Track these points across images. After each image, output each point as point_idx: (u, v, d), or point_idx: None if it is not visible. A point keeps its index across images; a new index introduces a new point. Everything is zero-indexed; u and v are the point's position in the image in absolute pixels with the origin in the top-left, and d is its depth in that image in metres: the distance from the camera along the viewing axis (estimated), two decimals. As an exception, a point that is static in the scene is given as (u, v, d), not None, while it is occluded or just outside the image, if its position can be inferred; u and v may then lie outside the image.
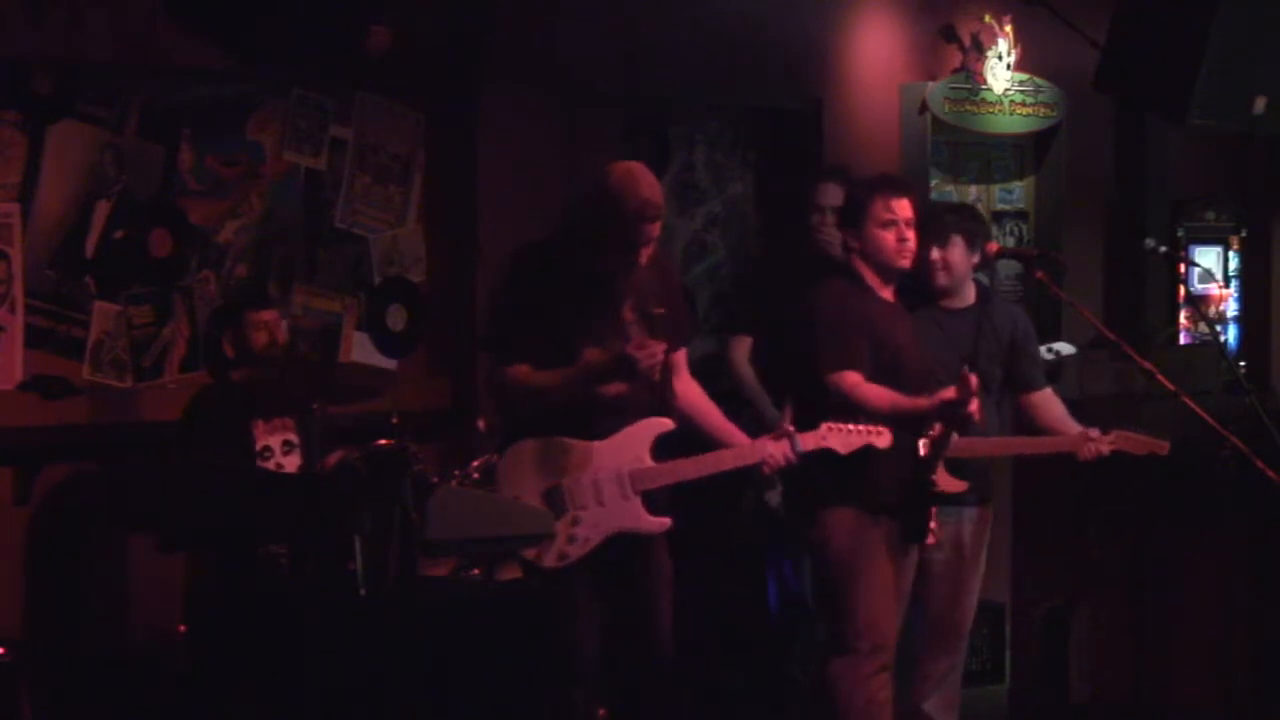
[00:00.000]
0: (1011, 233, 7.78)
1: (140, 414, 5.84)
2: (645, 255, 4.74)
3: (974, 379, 5.00)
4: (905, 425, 5.10)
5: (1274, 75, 5.90)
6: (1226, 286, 8.48)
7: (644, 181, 4.70)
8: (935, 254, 5.61)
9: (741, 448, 4.92)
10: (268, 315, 5.62)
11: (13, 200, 5.60)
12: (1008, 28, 7.39)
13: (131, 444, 5.73)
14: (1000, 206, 7.77)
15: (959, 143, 7.56)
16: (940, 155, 7.48)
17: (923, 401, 5.07)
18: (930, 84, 7.24)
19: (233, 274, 6.04)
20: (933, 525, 5.31)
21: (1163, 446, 5.66)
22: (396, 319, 6.38)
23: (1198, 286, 8.28)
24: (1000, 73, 7.39)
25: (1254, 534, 6.36)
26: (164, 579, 5.53)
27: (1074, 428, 5.73)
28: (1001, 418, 5.73)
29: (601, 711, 4.99)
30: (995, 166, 7.76)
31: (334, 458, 5.52)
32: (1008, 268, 7.63)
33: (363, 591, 4.89)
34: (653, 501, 4.84)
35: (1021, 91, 7.48)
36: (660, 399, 4.89)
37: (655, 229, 4.72)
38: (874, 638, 5.20)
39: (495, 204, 6.30)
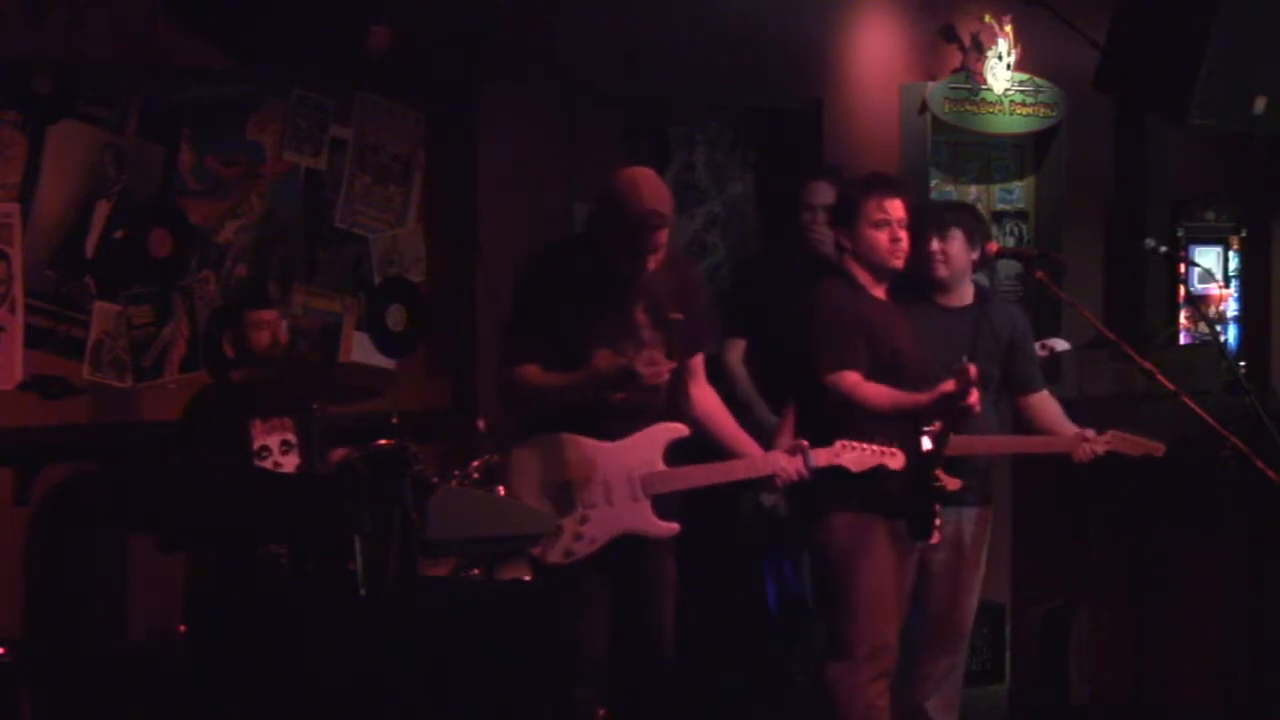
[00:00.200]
0: (1011, 233, 7.78)
1: (140, 414, 5.84)
2: (654, 261, 4.73)
3: (973, 369, 5.00)
4: (906, 422, 5.10)
5: (1274, 75, 5.90)
6: (1226, 286, 8.48)
7: (647, 191, 4.67)
8: (935, 245, 5.61)
9: (754, 459, 4.91)
10: (268, 315, 5.62)
11: (13, 200, 5.60)
12: (1008, 28, 7.39)
13: (131, 444, 5.73)
14: (1000, 206, 7.77)
15: (959, 143, 7.56)
16: (940, 155, 7.48)
17: (923, 397, 5.07)
18: (930, 84, 7.24)
19: (233, 274, 6.04)
20: (937, 523, 5.31)
21: (1158, 448, 5.67)
22: (396, 319, 6.38)
23: (1198, 286, 8.28)
24: (1000, 73, 7.39)
25: (1254, 534, 6.36)
26: (164, 579, 5.53)
27: (1070, 429, 5.73)
28: (1000, 418, 5.73)
29: (601, 712, 4.98)
30: (995, 166, 7.76)
31: (334, 457, 5.54)
32: (1008, 268, 7.63)
33: (363, 591, 4.89)
34: (662, 506, 4.84)
35: (1021, 91, 7.48)
36: (674, 404, 4.89)
37: (661, 236, 4.70)
38: (873, 642, 5.20)
39: (495, 204, 6.30)
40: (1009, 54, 7.40)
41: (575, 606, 4.81)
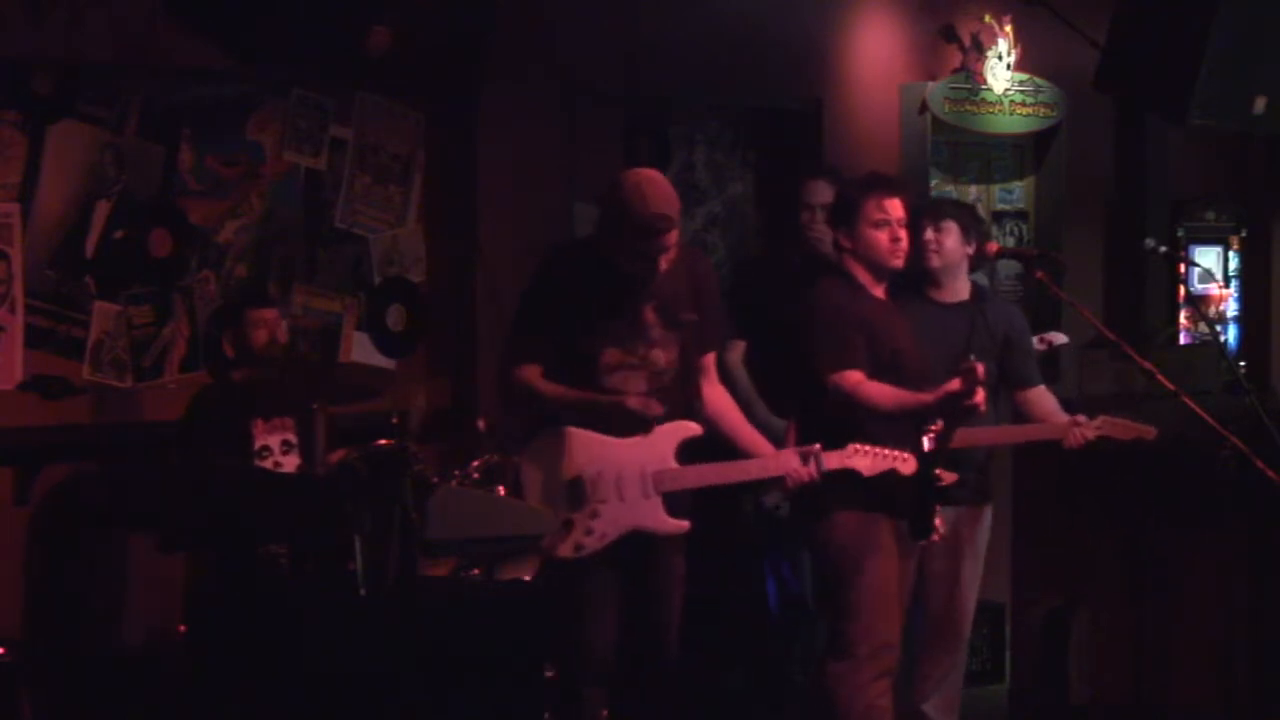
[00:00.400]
0: (1011, 233, 7.78)
1: (140, 414, 5.84)
2: (665, 262, 4.73)
3: (980, 368, 5.00)
4: (909, 421, 5.09)
5: (1274, 75, 5.90)
6: (1226, 286, 8.48)
7: (652, 195, 4.67)
8: (929, 234, 5.61)
9: (766, 459, 4.91)
10: (268, 314, 5.62)
11: (13, 200, 5.60)
12: (1008, 28, 7.39)
13: (131, 444, 5.73)
14: (1000, 206, 7.77)
15: (959, 143, 7.56)
16: (940, 155, 7.48)
17: (928, 396, 5.06)
18: (930, 84, 7.24)
19: (233, 274, 6.04)
20: (938, 523, 5.31)
21: (1149, 431, 5.66)
22: (396, 319, 6.38)
23: (1198, 286, 8.28)
24: (1000, 73, 7.39)
25: (1254, 534, 6.36)
26: (164, 579, 5.53)
27: (1064, 419, 5.72)
28: (997, 413, 5.73)
29: (603, 713, 4.98)
30: (995, 166, 7.76)
31: (335, 457, 5.54)
32: (1008, 268, 7.63)
33: (363, 591, 4.89)
34: (673, 504, 4.84)
35: (1021, 91, 7.48)
36: (686, 403, 4.89)
37: (669, 238, 4.70)
38: (875, 642, 5.19)
39: (495, 204, 6.30)
40: (1009, 54, 7.40)
41: (583, 602, 4.80)
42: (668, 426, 4.83)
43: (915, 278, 5.61)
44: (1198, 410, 5.22)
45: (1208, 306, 8.37)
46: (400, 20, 5.40)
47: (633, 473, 4.79)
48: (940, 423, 5.14)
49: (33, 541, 5.61)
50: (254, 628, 4.99)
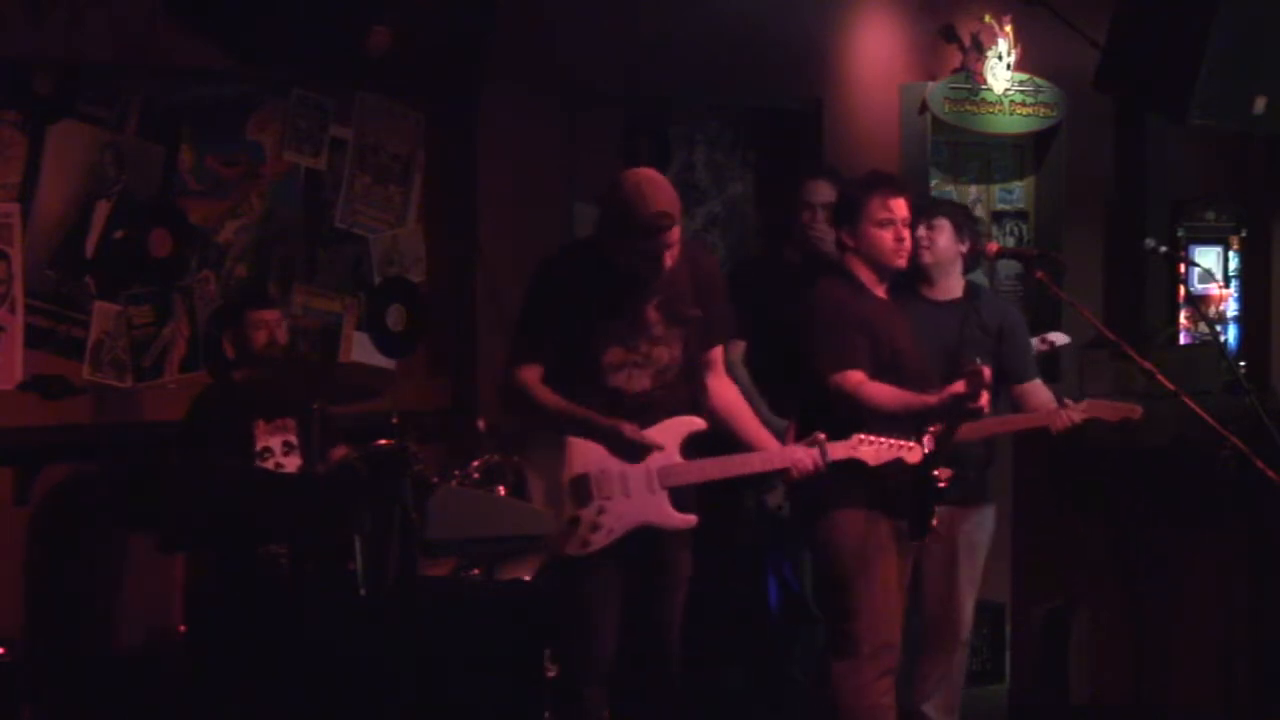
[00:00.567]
0: (1011, 233, 7.78)
1: (140, 414, 5.84)
2: (669, 259, 4.73)
3: (987, 371, 4.99)
4: (910, 422, 5.09)
5: (1274, 75, 5.90)
6: (1226, 286, 8.48)
7: (652, 194, 4.66)
8: (921, 231, 5.60)
9: (770, 452, 4.90)
10: (269, 315, 5.62)
11: (13, 200, 5.60)
12: (1008, 28, 7.39)
13: (131, 444, 5.73)
14: (1000, 206, 7.77)
15: (959, 143, 7.56)
16: (940, 155, 7.48)
17: (932, 398, 5.05)
18: (930, 84, 7.24)
19: (233, 274, 6.05)
20: (934, 522, 5.31)
21: (1135, 410, 5.64)
22: (396, 319, 6.38)
23: (1198, 286, 8.28)
24: (1000, 73, 7.39)
25: (1254, 534, 6.35)
26: (164, 579, 5.54)
27: (1052, 406, 5.72)
28: (995, 408, 5.72)
29: (604, 712, 4.98)
30: (995, 166, 7.76)
31: (335, 455, 5.54)
32: (1008, 268, 7.63)
33: (363, 591, 4.89)
34: (679, 499, 4.84)
35: (1021, 91, 7.48)
36: (691, 398, 4.89)
37: (672, 235, 4.70)
38: (877, 641, 5.19)
39: (495, 204, 6.30)
40: (1009, 54, 7.40)
41: (584, 602, 4.79)
42: (672, 421, 4.82)
43: (908, 275, 5.60)
44: (1198, 410, 5.22)
45: (1208, 306, 8.37)
46: (400, 20, 5.41)
47: (637, 469, 4.78)
48: (941, 424, 5.14)
49: (33, 541, 5.62)
50: (254, 628, 5.00)
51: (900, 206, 5.20)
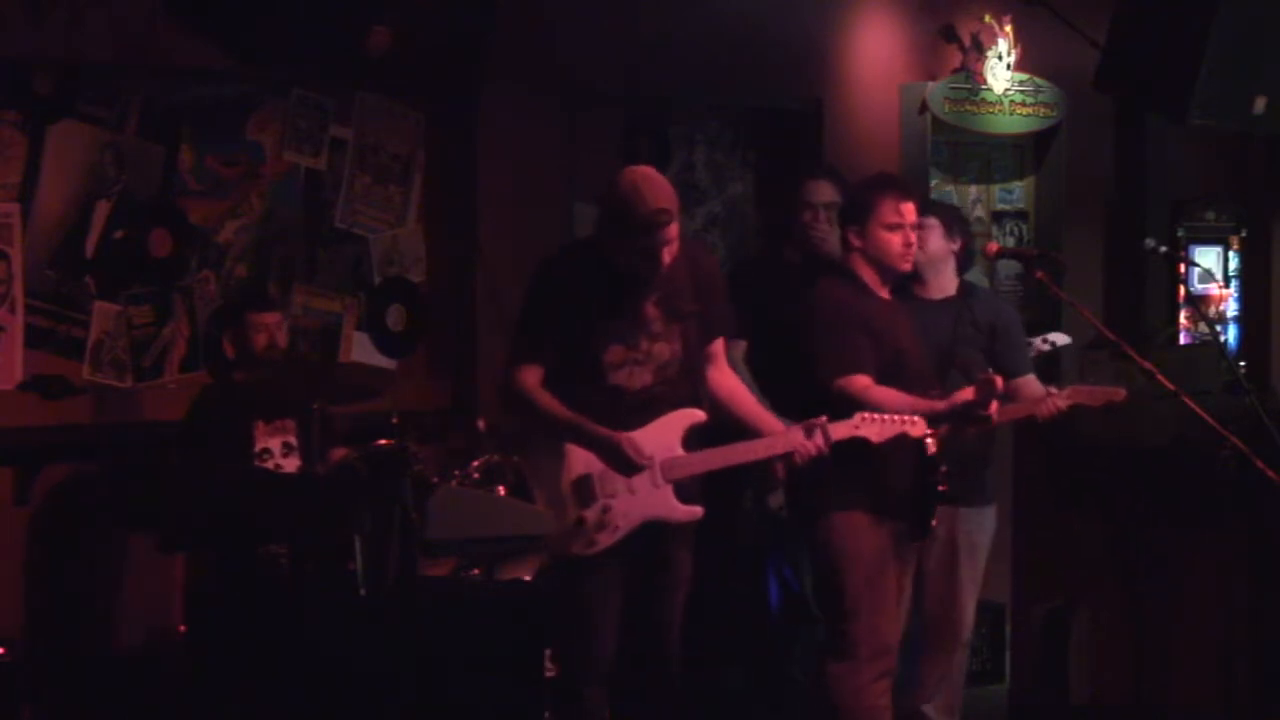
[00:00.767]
0: (1011, 233, 7.78)
1: (140, 414, 5.84)
2: (668, 255, 4.73)
3: (999, 380, 4.98)
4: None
5: (1274, 75, 5.90)
6: (1226, 286, 8.48)
7: (649, 191, 4.66)
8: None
9: (772, 437, 4.88)
10: (269, 318, 5.61)
11: (13, 200, 5.60)
12: (1008, 28, 7.39)
13: (131, 444, 5.73)
14: (1000, 206, 7.77)
15: (959, 143, 7.56)
16: (940, 155, 7.48)
17: (940, 404, 5.05)
18: (930, 84, 7.24)
19: (233, 274, 6.04)
20: (934, 523, 5.31)
21: (1118, 393, 5.63)
22: (396, 319, 6.38)
23: (1198, 286, 8.28)
24: (1000, 73, 7.39)
25: (1254, 534, 6.35)
26: (164, 579, 5.54)
27: (1040, 395, 5.71)
28: None
29: (604, 712, 4.98)
30: (995, 166, 7.76)
31: (335, 455, 5.54)
32: (1008, 268, 7.63)
33: (363, 591, 4.89)
34: (683, 492, 4.84)
35: (1021, 91, 7.48)
36: (693, 393, 4.89)
37: (670, 232, 4.70)
38: (875, 643, 5.19)
39: (495, 204, 6.30)
40: (1009, 54, 7.40)
41: (585, 602, 4.79)
42: (673, 415, 4.82)
43: (901, 275, 5.60)
44: (1198, 410, 5.22)
45: (1208, 306, 8.37)
46: (400, 20, 5.41)
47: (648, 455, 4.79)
48: (945, 426, 5.14)
49: (33, 541, 5.62)
50: (254, 628, 5.00)
51: (910, 211, 5.21)
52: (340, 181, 6.23)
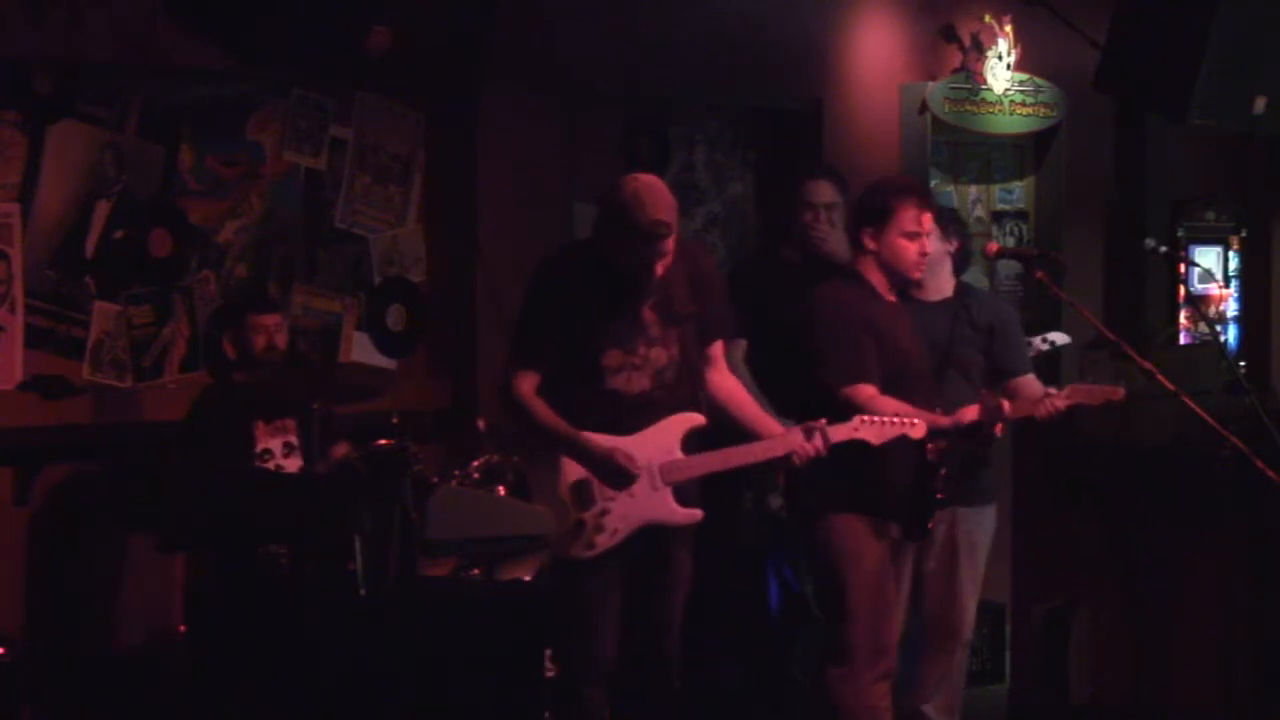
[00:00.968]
0: (1011, 233, 7.78)
1: (140, 414, 5.84)
2: (661, 268, 4.74)
3: (1007, 405, 4.98)
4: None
5: (1274, 75, 5.90)
6: (1226, 286, 8.48)
7: (651, 201, 4.67)
8: None
9: (771, 440, 4.89)
10: (269, 320, 5.61)
11: (13, 200, 5.60)
12: (1008, 28, 7.39)
13: (131, 444, 5.73)
14: (1000, 206, 7.77)
15: (959, 143, 7.56)
16: (940, 155, 7.48)
17: (944, 420, 5.05)
18: (930, 84, 7.24)
19: (233, 274, 6.04)
20: (930, 525, 5.31)
21: (1117, 392, 5.61)
22: (396, 319, 6.38)
23: (1198, 286, 8.28)
24: (1000, 73, 7.39)
25: (1254, 534, 6.35)
26: (164, 579, 5.54)
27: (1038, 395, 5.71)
28: None
29: (604, 712, 4.98)
30: (995, 166, 7.76)
31: (336, 453, 5.55)
32: (1008, 268, 7.63)
33: (363, 591, 4.89)
34: (682, 494, 4.85)
35: (1021, 91, 7.48)
36: (692, 397, 4.90)
37: (666, 244, 4.71)
38: (875, 644, 5.18)
39: (495, 204, 6.30)
40: (1009, 54, 7.40)
41: (585, 602, 4.79)
42: (672, 419, 4.83)
43: None
44: (1198, 410, 5.22)
45: (1208, 306, 8.37)
46: (400, 20, 5.41)
47: (640, 467, 4.79)
48: (947, 441, 5.14)
49: (33, 541, 5.62)
50: (254, 628, 5.00)
51: (929, 221, 5.19)
52: (340, 181, 6.23)
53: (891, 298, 5.25)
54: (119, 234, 5.81)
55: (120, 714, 5.55)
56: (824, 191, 5.92)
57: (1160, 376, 5.27)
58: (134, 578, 5.72)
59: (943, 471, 5.17)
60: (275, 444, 5.57)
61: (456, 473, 5.28)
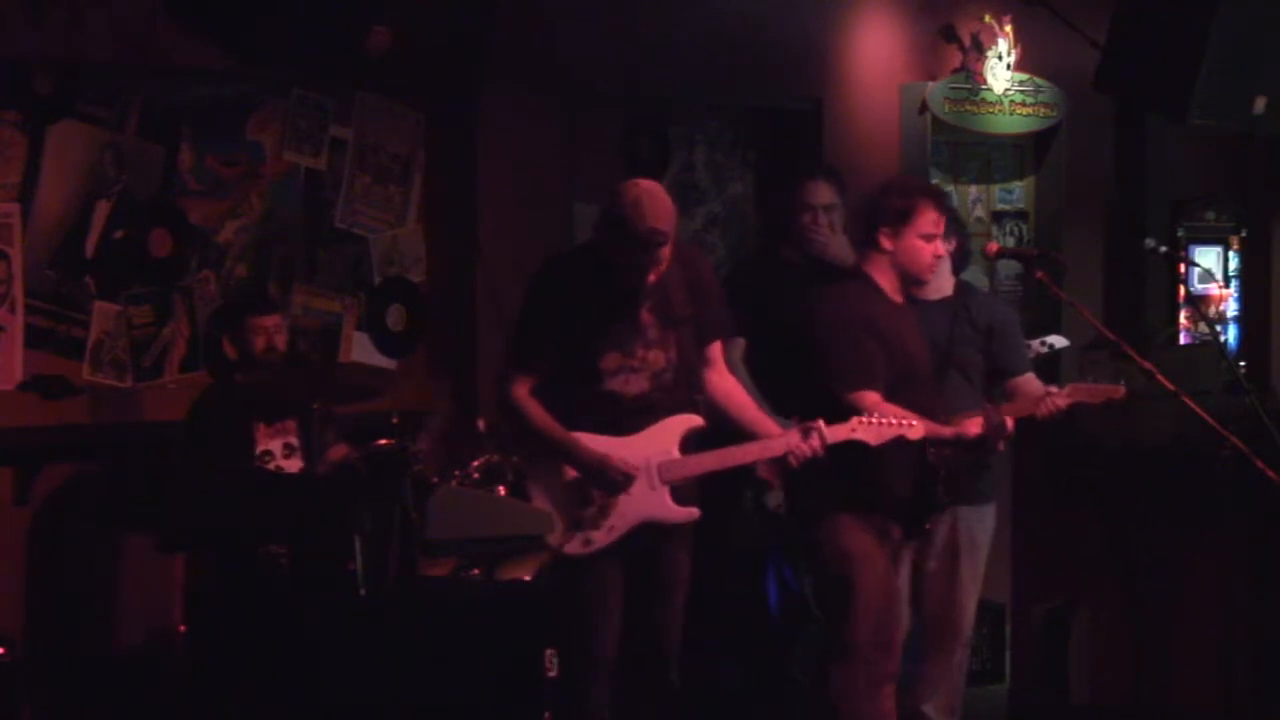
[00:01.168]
0: (1011, 233, 7.78)
1: (140, 414, 5.84)
2: (656, 275, 4.75)
3: (1010, 422, 4.99)
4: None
5: (1274, 75, 5.90)
6: (1226, 286, 8.48)
7: (650, 210, 4.68)
8: None
9: (768, 440, 4.90)
10: (269, 321, 5.61)
11: (13, 200, 5.60)
12: (1008, 28, 7.39)
13: (131, 444, 5.73)
14: (1000, 206, 7.77)
15: (959, 143, 7.56)
16: (940, 155, 7.48)
17: (947, 430, 5.05)
18: (930, 84, 7.24)
19: (233, 274, 6.04)
20: (928, 526, 5.31)
21: (1118, 391, 5.61)
22: (396, 319, 6.38)
23: (1198, 286, 8.28)
24: (1000, 73, 7.39)
25: (1254, 534, 6.36)
26: (164, 579, 5.53)
27: (1039, 394, 5.71)
28: (989, 402, 5.71)
29: (604, 712, 4.98)
30: (995, 166, 7.76)
31: (336, 453, 5.54)
32: (1008, 268, 7.63)
33: (363, 591, 4.89)
34: (679, 493, 4.85)
35: (1021, 91, 7.48)
36: (690, 399, 4.90)
37: (662, 253, 4.73)
38: (879, 645, 5.18)
39: (495, 204, 6.30)
40: (1009, 54, 7.40)
41: (585, 602, 4.80)
42: (670, 420, 4.85)
43: None
44: (1198, 410, 5.22)
45: (1208, 306, 8.37)
46: (400, 20, 5.41)
47: (638, 466, 4.80)
48: (949, 450, 5.14)
49: (33, 541, 5.62)
50: (254, 628, 5.00)
51: (942, 224, 5.20)
52: (340, 181, 6.23)
53: (898, 299, 5.24)
54: (119, 234, 5.81)
55: (120, 714, 5.55)
56: (822, 193, 5.91)
57: (1160, 376, 5.27)
58: (134, 578, 5.72)
59: (942, 474, 5.18)
60: (276, 445, 5.57)
61: (456, 473, 5.28)
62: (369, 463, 5.21)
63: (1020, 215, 7.82)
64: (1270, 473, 5.15)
